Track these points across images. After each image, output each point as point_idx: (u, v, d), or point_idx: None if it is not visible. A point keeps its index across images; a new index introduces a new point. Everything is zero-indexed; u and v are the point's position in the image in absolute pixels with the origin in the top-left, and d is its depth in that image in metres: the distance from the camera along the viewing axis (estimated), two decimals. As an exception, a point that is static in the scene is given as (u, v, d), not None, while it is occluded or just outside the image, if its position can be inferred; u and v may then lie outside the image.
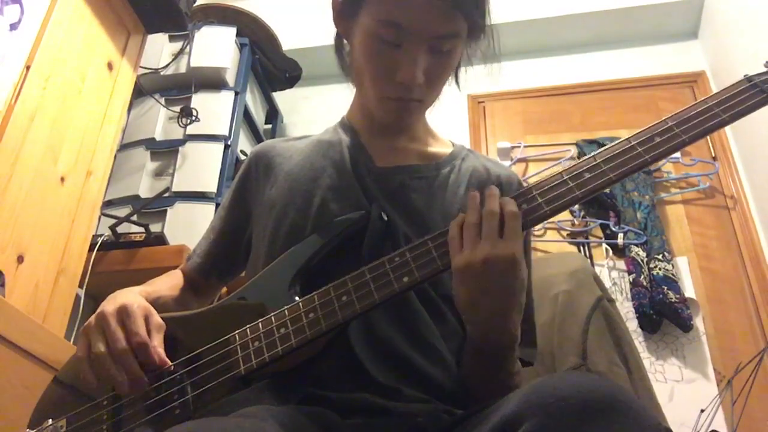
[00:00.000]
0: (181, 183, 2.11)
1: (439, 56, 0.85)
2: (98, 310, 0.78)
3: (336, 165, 0.94)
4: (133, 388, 0.74)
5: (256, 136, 2.58)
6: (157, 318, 0.79)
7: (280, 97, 2.87)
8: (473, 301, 0.73)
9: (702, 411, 1.78)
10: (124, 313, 0.77)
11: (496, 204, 0.73)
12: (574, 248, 2.38)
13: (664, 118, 0.76)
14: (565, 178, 0.75)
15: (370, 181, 0.91)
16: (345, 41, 0.96)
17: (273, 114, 2.84)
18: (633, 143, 0.75)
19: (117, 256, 1.88)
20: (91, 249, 1.71)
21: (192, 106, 2.23)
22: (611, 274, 2.27)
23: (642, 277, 2.14)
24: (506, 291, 0.71)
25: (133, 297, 0.80)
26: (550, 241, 2.43)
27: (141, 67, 2.04)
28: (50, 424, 0.77)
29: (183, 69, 2.32)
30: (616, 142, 0.76)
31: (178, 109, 2.23)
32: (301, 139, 1.05)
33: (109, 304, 0.78)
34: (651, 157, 0.74)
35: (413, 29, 0.82)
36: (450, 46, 0.85)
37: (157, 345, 0.76)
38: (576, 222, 2.42)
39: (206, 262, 1.03)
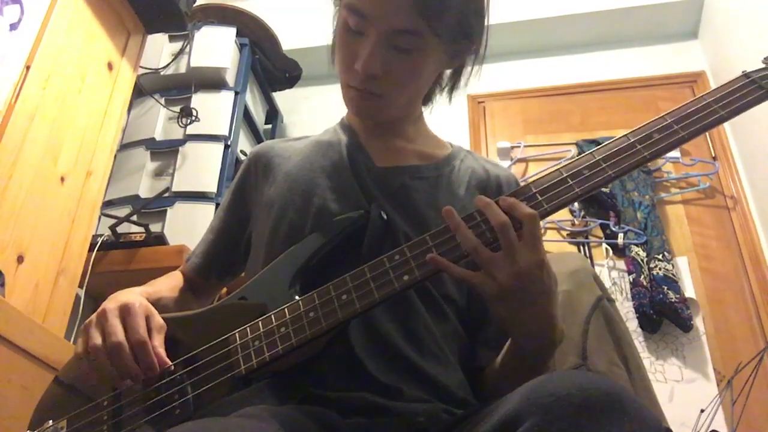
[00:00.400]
0: (181, 183, 2.11)
1: (401, 54, 0.85)
2: (100, 308, 0.78)
3: (335, 165, 0.94)
4: (129, 381, 0.74)
5: (256, 136, 2.58)
6: (158, 318, 0.79)
7: (280, 97, 2.87)
8: (518, 317, 0.72)
9: (702, 411, 1.78)
10: (125, 312, 0.77)
11: (500, 213, 0.70)
12: (574, 248, 2.38)
13: (662, 115, 0.76)
14: (565, 175, 0.74)
15: (370, 181, 0.91)
16: None
17: (273, 114, 2.83)
18: (632, 140, 0.75)
19: (117, 256, 1.88)
20: (91, 249, 1.71)
21: (192, 106, 2.23)
22: (611, 274, 2.27)
23: (642, 277, 2.14)
24: (545, 294, 0.71)
25: (134, 297, 0.80)
26: (550, 241, 2.42)
27: (141, 67, 2.04)
28: (51, 425, 0.77)
29: (183, 69, 2.32)
30: (615, 138, 0.76)
31: (178, 109, 2.23)
32: (300, 140, 1.05)
33: (111, 302, 0.78)
34: (650, 153, 0.73)
35: (372, 19, 0.83)
36: (411, 44, 0.84)
37: (158, 345, 0.76)
38: (576, 222, 2.42)
39: (205, 262, 1.03)
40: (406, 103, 0.95)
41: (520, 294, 0.69)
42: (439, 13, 0.82)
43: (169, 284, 0.98)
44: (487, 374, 0.85)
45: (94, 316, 0.78)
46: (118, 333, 0.74)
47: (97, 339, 0.75)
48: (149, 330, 0.76)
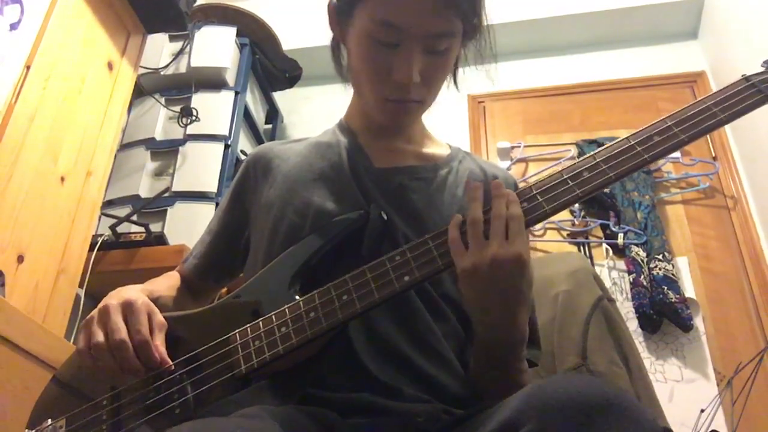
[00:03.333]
0: (181, 183, 2.11)
1: (435, 56, 0.85)
2: (101, 304, 0.78)
3: (334, 166, 0.94)
4: (131, 378, 0.74)
5: (256, 136, 2.58)
6: (159, 317, 0.79)
7: (280, 97, 2.87)
8: (481, 302, 0.73)
9: (702, 411, 1.78)
10: (127, 309, 0.77)
11: (503, 207, 0.73)
12: (574, 248, 2.38)
13: (662, 118, 0.77)
14: (565, 177, 0.75)
15: (369, 182, 0.91)
16: (342, 45, 0.97)
17: (273, 114, 2.83)
18: (632, 142, 0.75)
19: (117, 256, 1.88)
20: (91, 249, 1.71)
21: (192, 106, 2.23)
22: (611, 274, 2.27)
23: (642, 277, 2.14)
24: (514, 291, 0.72)
25: (136, 294, 0.80)
26: (550, 241, 2.43)
27: (141, 67, 2.04)
28: (49, 424, 0.77)
29: (183, 69, 2.32)
30: (616, 141, 0.77)
31: (178, 109, 2.23)
32: (299, 142, 1.05)
33: (113, 299, 0.78)
34: (650, 156, 0.74)
35: (408, 29, 0.82)
36: (446, 45, 0.85)
37: (159, 344, 0.76)
38: (576, 222, 2.42)
39: (203, 263, 1.03)
40: (431, 103, 0.95)
41: (489, 281, 0.70)
42: (468, 5, 0.83)
43: (167, 284, 0.98)
44: (468, 372, 0.85)
45: (95, 312, 0.78)
46: (122, 330, 0.74)
47: (99, 336, 0.75)
48: (151, 328, 0.77)
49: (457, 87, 0.99)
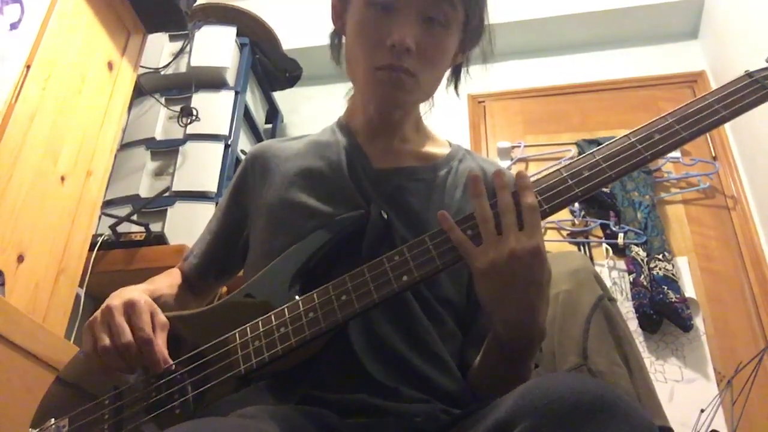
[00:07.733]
0: (181, 182, 2.11)
1: (432, 28, 0.86)
2: (104, 305, 0.79)
3: (332, 166, 0.94)
4: (135, 377, 0.75)
5: (256, 136, 2.58)
6: (161, 316, 0.79)
7: (280, 97, 2.87)
8: (501, 299, 0.71)
9: (702, 411, 1.78)
10: (130, 308, 0.77)
11: (509, 197, 0.71)
12: (574, 248, 2.38)
13: (663, 115, 0.75)
14: (564, 175, 0.74)
15: (367, 183, 0.91)
16: (343, 37, 0.97)
17: (273, 114, 2.84)
18: (632, 140, 0.74)
19: (117, 256, 1.88)
20: (91, 249, 1.71)
21: (192, 105, 2.24)
22: (611, 274, 2.27)
23: (642, 276, 2.14)
24: (534, 285, 0.70)
25: (138, 294, 0.80)
26: (550, 241, 2.42)
27: (141, 66, 2.04)
28: (52, 424, 0.78)
29: (183, 69, 2.32)
30: (616, 138, 0.75)
31: (178, 108, 2.23)
32: (297, 140, 1.05)
33: (115, 299, 0.79)
34: (651, 154, 0.73)
35: None
36: (443, 16, 0.86)
37: (161, 343, 0.76)
38: (576, 222, 2.42)
39: (203, 262, 1.03)
40: (428, 90, 0.95)
41: (508, 276, 0.68)
42: None
43: (168, 282, 0.98)
44: (470, 372, 0.85)
45: (99, 314, 0.78)
46: (126, 332, 0.75)
47: (105, 340, 0.75)
48: (153, 327, 0.77)
49: (457, 92, 0.99)
